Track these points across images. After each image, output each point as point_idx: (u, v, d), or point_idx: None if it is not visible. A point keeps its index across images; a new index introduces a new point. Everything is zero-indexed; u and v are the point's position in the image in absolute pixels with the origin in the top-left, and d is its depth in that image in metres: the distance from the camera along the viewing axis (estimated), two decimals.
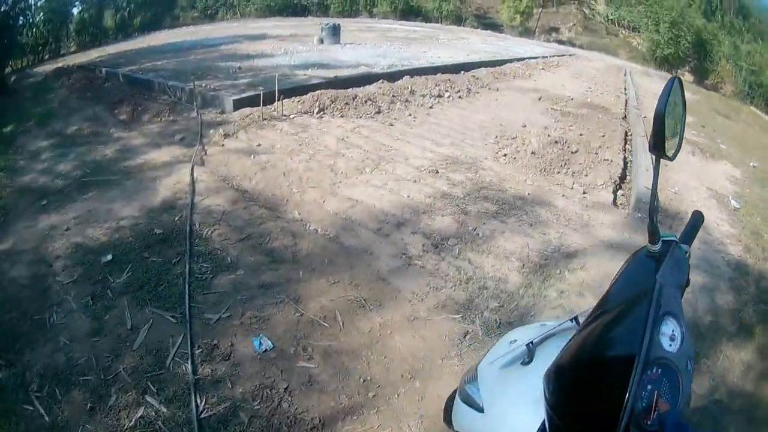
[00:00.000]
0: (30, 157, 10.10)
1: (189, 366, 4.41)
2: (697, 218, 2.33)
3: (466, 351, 4.87)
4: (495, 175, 8.86)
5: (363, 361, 4.63)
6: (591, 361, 1.64)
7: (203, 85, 12.94)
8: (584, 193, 8.64)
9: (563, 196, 8.37)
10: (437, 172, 8.73)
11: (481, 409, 2.30)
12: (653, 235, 1.82)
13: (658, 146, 1.79)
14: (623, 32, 49.09)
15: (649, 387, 1.47)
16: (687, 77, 41.62)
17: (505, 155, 9.79)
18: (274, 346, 4.68)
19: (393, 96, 12.96)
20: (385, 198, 7.72)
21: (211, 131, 10.33)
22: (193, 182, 8.02)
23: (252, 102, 11.61)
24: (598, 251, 6.80)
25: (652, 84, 25.27)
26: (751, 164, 13.24)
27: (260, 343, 4.67)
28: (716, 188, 10.26)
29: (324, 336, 4.87)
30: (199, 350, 4.61)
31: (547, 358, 2.01)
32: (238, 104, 11.64)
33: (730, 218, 8.88)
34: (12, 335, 4.98)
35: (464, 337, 5.03)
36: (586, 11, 50.96)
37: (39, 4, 35.97)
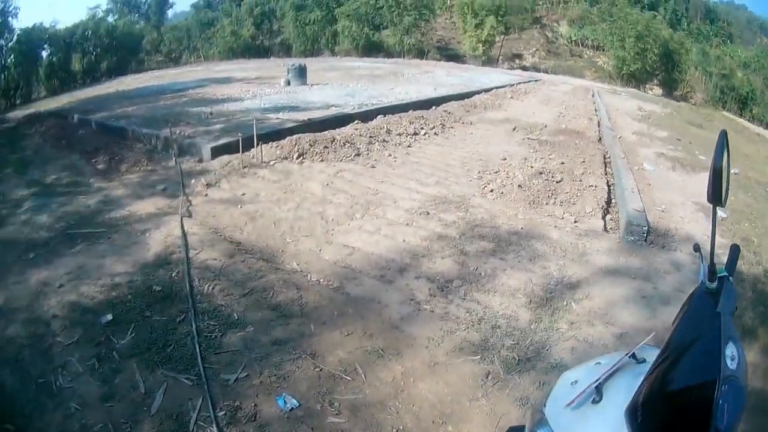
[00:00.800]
0: (12, 207, 9.99)
1: (215, 429, 4.28)
2: (735, 250, 2.62)
3: (491, 391, 4.84)
4: (485, 211, 8.86)
5: (392, 411, 4.55)
6: (676, 392, 1.90)
7: (177, 131, 12.86)
8: (575, 222, 8.67)
9: (555, 227, 8.38)
10: (428, 213, 8.72)
11: None
12: (712, 274, 2.10)
13: (716, 197, 2.08)
14: (588, 52, 49.67)
15: (721, 401, 1.71)
16: (656, 91, 42.24)
17: (491, 191, 9.78)
18: (300, 404, 4.55)
19: (370, 137, 12.99)
20: (382, 243, 7.69)
21: (193, 180, 10.26)
22: (184, 235, 7.89)
23: (229, 149, 11.57)
24: (599, 279, 6.84)
25: (621, 102, 25.72)
26: (732, 171, 13.29)
27: (285, 401, 4.55)
28: (702, 201, 10.04)
29: (348, 389, 4.78)
30: (222, 413, 4.47)
31: (615, 394, 2.22)
32: (216, 152, 11.57)
33: (720, 228, 8.86)
34: (17, 400, 4.82)
35: (486, 377, 5.00)
36: (549, 34, 51.56)
37: (10, 46, 36.36)
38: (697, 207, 9.85)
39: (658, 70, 42.30)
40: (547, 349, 5.43)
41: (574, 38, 50.15)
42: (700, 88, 43.05)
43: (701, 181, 10.76)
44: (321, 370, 5.04)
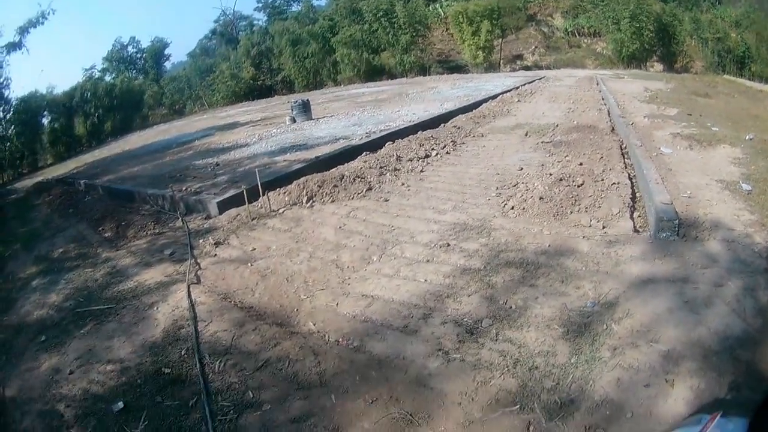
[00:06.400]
0: (21, 287, 10.12)
1: None
2: None
3: None
4: (509, 233, 8.39)
5: None
6: None
7: (184, 188, 12.88)
8: (604, 228, 8.18)
9: (584, 237, 7.87)
10: (448, 245, 8.27)
11: None
12: None
13: None
14: (585, 41, 49.63)
15: None
16: (656, 67, 42.48)
17: (512, 208, 9.33)
18: None
19: (380, 167, 12.74)
20: (402, 288, 7.21)
21: (201, 241, 10.06)
22: (192, 306, 7.60)
23: (237, 201, 11.37)
24: (637, 291, 6.34)
25: (626, 85, 25.66)
26: (747, 137, 12.80)
27: None
28: (724, 177, 9.73)
29: None
30: None
31: None
32: (223, 206, 11.39)
33: (747, 204, 8.34)
34: None
35: (527, 429, 4.60)
36: (545, 30, 51.46)
37: (8, 117, 38.64)
38: (722, 186, 9.26)
39: (656, 46, 42.38)
40: (591, 385, 4.96)
41: (569, 29, 50.02)
42: (698, 57, 42.85)
43: (720, 157, 10.45)
44: None
